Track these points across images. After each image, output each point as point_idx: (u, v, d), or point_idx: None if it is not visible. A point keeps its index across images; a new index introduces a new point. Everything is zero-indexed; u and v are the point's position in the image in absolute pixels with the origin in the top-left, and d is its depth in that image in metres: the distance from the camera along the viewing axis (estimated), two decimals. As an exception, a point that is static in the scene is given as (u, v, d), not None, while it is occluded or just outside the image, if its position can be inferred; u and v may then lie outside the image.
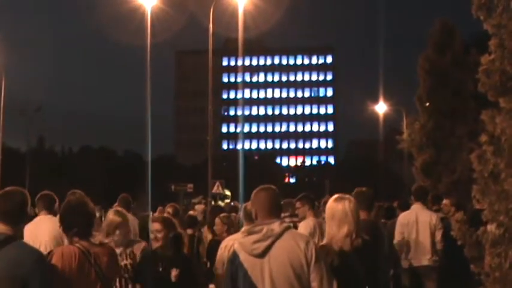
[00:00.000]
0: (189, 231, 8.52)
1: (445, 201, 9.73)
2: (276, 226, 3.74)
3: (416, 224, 8.01)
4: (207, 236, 8.78)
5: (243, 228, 5.71)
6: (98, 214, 11.76)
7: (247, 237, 3.77)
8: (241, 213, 6.68)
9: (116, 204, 8.82)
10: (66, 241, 3.98)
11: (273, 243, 3.69)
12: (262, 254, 3.69)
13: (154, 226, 5.39)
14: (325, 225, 7.29)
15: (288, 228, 3.81)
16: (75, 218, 3.84)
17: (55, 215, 6.07)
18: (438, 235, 7.91)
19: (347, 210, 4.22)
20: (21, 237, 3.84)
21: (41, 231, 6.00)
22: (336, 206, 4.27)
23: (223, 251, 5.55)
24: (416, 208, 8.20)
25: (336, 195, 4.42)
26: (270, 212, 3.84)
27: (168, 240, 5.30)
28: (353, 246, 4.16)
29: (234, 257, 3.82)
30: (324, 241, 4.35)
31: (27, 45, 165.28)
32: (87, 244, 3.80)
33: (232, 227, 7.37)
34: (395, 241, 8.09)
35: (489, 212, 4.32)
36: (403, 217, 8.30)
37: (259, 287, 3.67)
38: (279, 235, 3.71)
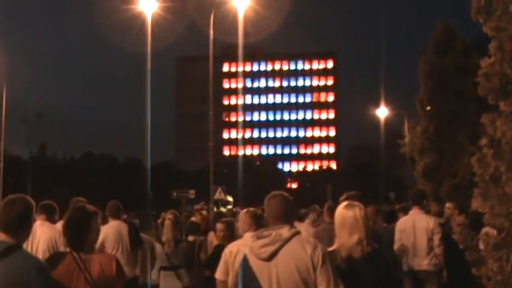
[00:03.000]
0: (191, 237, 8.50)
1: (448, 205, 9.69)
2: (284, 231, 3.79)
3: (414, 230, 8.00)
4: (213, 241, 8.74)
5: (246, 234, 5.69)
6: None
7: (256, 241, 3.82)
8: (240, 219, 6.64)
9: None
10: (61, 249, 3.98)
11: (280, 247, 3.73)
12: (269, 258, 3.73)
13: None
14: (322, 233, 7.31)
15: (296, 233, 3.84)
16: (78, 234, 3.84)
17: (53, 222, 6.05)
18: (436, 239, 7.89)
19: (358, 217, 4.22)
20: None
21: (36, 239, 5.96)
22: (347, 213, 4.27)
23: (229, 256, 5.35)
24: (414, 213, 8.19)
25: (345, 203, 4.43)
26: (279, 217, 3.89)
27: None
28: (363, 253, 4.16)
29: (244, 261, 3.87)
30: (333, 247, 4.34)
31: (28, 52, 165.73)
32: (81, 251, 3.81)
33: (235, 232, 7.34)
34: (395, 247, 8.08)
35: (490, 215, 4.31)
36: (400, 223, 8.30)
37: None
38: (287, 240, 3.75)
